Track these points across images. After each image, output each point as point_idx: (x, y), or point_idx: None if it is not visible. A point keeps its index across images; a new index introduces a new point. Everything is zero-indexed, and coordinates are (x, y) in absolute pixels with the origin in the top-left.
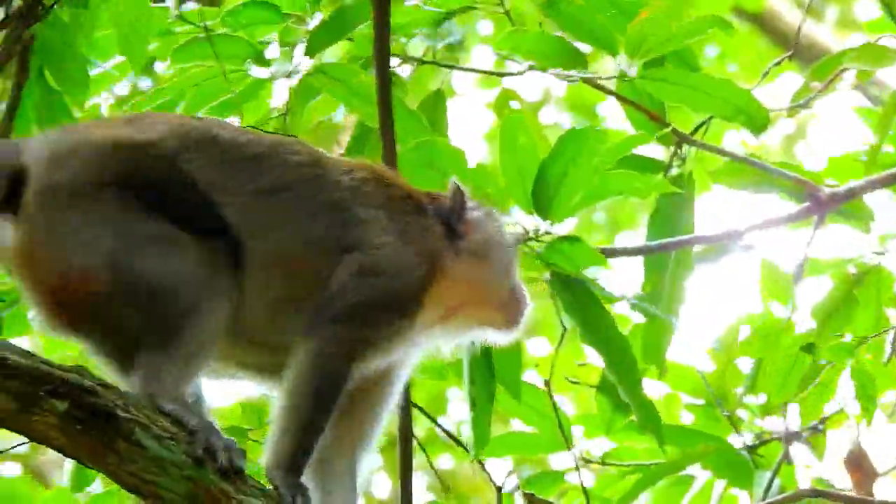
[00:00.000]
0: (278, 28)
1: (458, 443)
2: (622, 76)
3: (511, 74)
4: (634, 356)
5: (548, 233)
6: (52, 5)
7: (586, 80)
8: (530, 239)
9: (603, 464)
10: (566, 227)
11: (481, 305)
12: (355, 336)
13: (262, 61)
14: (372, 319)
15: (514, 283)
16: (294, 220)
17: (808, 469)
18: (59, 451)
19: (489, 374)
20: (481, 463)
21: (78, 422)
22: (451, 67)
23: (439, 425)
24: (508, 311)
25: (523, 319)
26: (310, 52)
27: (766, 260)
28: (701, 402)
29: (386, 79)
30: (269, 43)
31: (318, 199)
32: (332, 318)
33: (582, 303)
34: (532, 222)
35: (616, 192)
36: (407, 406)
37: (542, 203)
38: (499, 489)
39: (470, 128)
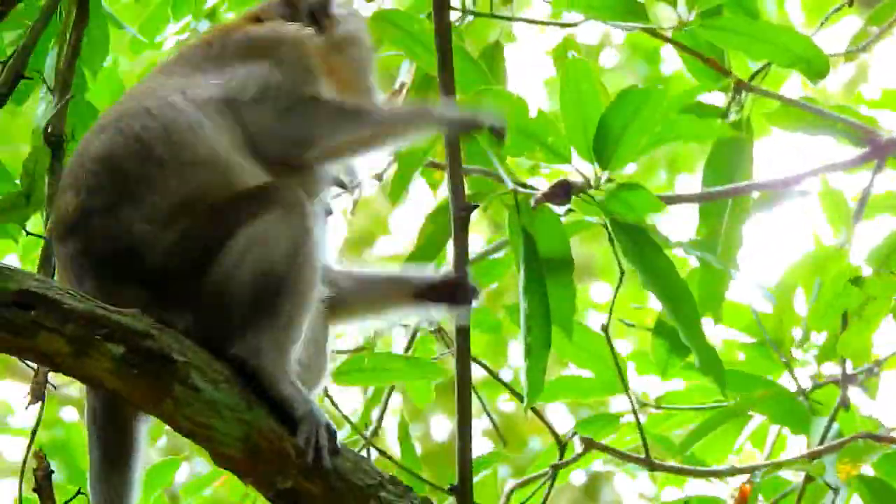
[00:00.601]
0: None
1: (514, 392)
2: (681, 25)
3: (569, 25)
4: (694, 300)
5: (609, 180)
6: None
7: (644, 29)
8: (590, 187)
9: (658, 406)
10: (625, 171)
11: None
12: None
13: None
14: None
15: (370, 84)
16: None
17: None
18: (114, 395)
19: (545, 320)
20: (536, 411)
21: (133, 366)
22: (508, 19)
23: (495, 375)
24: None
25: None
26: None
27: (829, 187)
28: (754, 341)
29: (444, 25)
30: None
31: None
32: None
33: (641, 249)
34: (592, 170)
35: (677, 137)
36: (465, 350)
37: (602, 153)
38: (557, 438)
39: (529, 74)
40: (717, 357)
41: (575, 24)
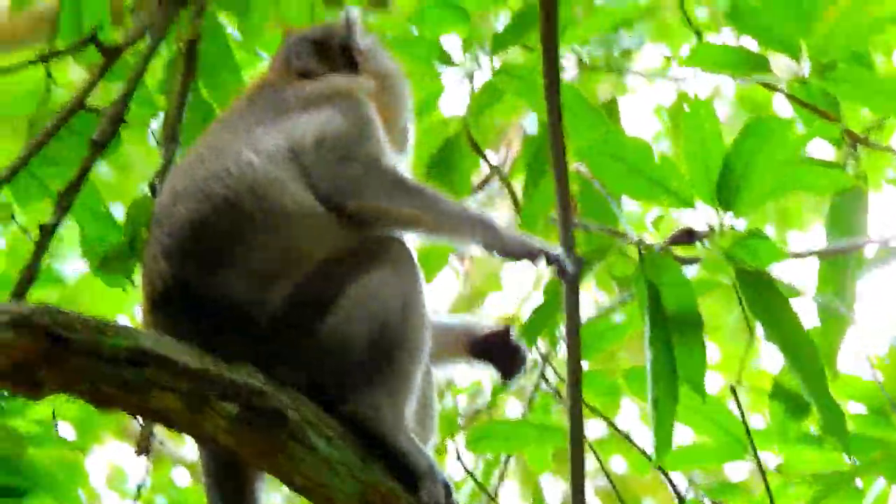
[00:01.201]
0: (462, 29)
1: (640, 450)
2: (800, 79)
3: (683, 80)
4: (819, 355)
5: (732, 227)
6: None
7: (763, 82)
8: (714, 233)
9: (779, 472)
10: (747, 222)
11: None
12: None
13: (448, 61)
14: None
15: (408, 121)
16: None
17: None
18: (228, 452)
19: (672, 373)
20: (664, 471)
21: (247, 423)
22: (623, 72)
23: (616, 427)
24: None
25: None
26: (495, 51)
27: None
28: (864, 410)
29: (554, 72)
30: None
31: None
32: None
33: (766, 299)
34: (716, 218)
35: (800, 186)
36: (577, 406)
37: (727, 196)
38: (681, 500)
39: (642, 125)
40: (842, 415)
41: (689, 77)
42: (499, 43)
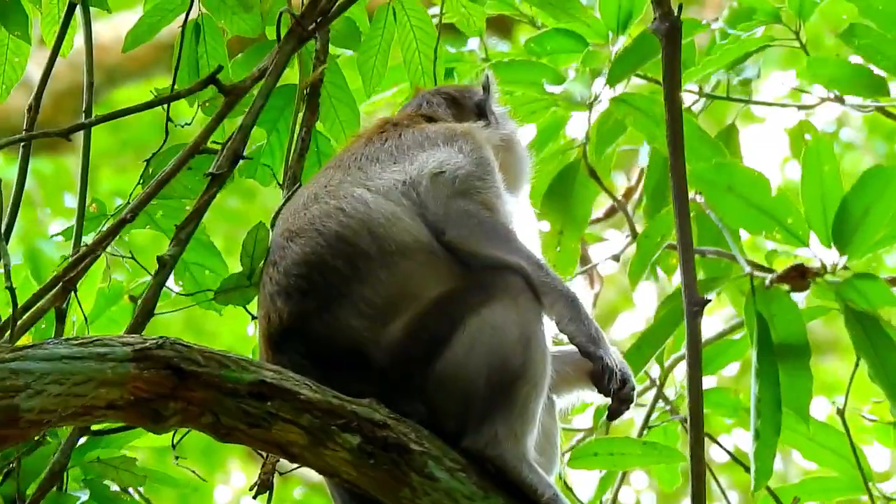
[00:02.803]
0: (579, 56)
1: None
2: None
3: (807, 107)
4: None
5: (845, 267)
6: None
7: (880, 109)
8: (826, 273)
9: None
10: (862, 263)
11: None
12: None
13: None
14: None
15: (523, 190)
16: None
17: None
18: (351, 484)
19: (776, 406)
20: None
21: (370, 456)
22: (745, 102)
23: (734, 456)
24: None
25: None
26: (611, 81)
27: None
28: None
29: (676, 107)
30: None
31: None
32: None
33: (873, 340)
34: (829, 255)
35: None
36: (699, 431)
37: (841, 236)
38: None
39: (765, 155)
40: None
41: (813, 106)
42: (616, 72)
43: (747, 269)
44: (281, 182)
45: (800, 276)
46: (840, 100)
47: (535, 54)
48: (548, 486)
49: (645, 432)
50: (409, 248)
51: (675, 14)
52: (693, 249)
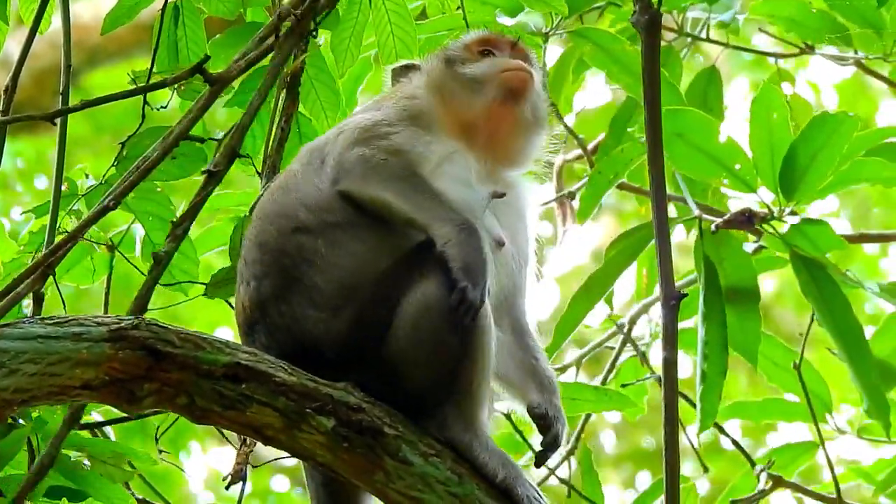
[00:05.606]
0: None
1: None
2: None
3: (784, 56)
4: (866, 342)
5: (793, 213)
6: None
7: (858, 64)
8: (773, 218)
9: (859, 437)
10: (810, 210)
11: None
12: None
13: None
14: None
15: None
16: None
17: None
18: (325, 467)
19: (722, 348)
20: (734, 442)
21: (344, 439)
22: (722, 45)
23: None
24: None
25: None
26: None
27: None
28: None
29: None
30: None
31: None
32: None
33: (819, 285)
34: (776, 202)
35: (865, 179)
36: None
37: (789, 183)
38: (752, 462)
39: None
40: (886, 401)
41: (791, 56)
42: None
43: (696, 211)
44: (260, 171)
45: (747, 220)
46: (811, 49)
47: None
48: (503, 464)
49: (611, 377)
50: (344, 220)
51: (655, 6)
52: (670, 241)
